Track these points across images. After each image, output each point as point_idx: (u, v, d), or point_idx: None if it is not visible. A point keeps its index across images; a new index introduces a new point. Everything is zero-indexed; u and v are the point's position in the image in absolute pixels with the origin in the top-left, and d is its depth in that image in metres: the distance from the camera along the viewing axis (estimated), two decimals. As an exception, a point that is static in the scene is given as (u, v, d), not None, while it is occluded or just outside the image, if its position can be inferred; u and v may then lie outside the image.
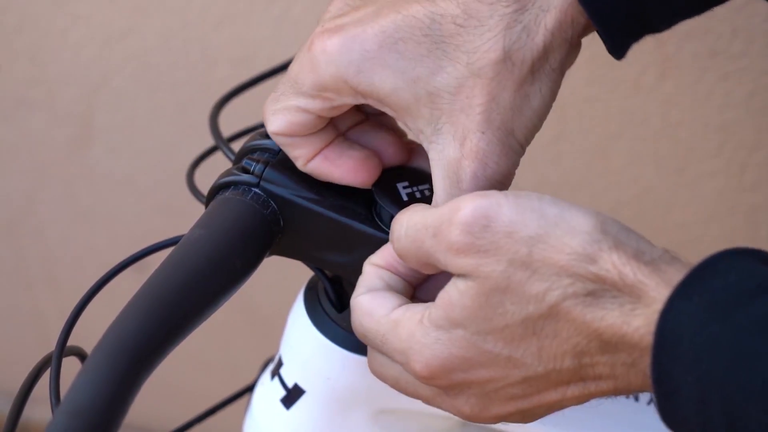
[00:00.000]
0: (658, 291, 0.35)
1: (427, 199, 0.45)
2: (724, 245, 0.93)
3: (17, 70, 0.95)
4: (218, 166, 0.51)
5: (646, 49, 0.79)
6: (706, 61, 0.77)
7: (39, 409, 0.56)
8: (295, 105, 0.42)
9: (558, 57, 0.40)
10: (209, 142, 0.55)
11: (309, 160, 0.44)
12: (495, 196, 0.37)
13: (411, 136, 0.43)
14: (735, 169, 0.83)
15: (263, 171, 0.45)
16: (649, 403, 0.55)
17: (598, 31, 0.40)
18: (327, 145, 0.44)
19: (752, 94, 0.78)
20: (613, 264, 0.36)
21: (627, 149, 0.85)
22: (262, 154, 0.47)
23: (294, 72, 0.42)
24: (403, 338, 0.39)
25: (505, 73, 0.39)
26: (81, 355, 0.45)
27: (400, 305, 0.40)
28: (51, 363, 0.42)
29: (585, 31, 0.41)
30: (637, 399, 0.55)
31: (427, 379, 0.39)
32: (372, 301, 0.41)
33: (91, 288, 0.46)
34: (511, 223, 0.37)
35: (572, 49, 0.41)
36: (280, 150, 0.47)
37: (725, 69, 0.77)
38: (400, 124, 0.43)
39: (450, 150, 0.40)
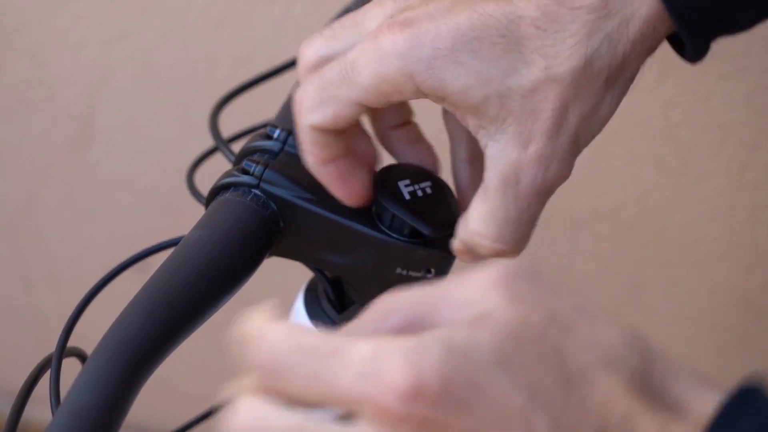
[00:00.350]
0: None
1: (429, 197, 0.45)
2: (724, 245, 0.94)
3: (17, 70, 0.95)
4: (219, 166, 0.51)
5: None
6: (707, 60, 0.77)
7: (40, 409, 0.56)
8: (348, 96, 0.40)
9: (635, 67, 0.40)
10: (209, 142, 0.55)
11: (324, 163, 0.43)
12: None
13: (470, 129, 0.41)
14: (735, 169, 0.83)
15: (263, 172, 0.45)
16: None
17: (680, 37, 0.40)
18: (344, 156, 0.43)
19: (752, 93, 0.78)
20: None
21: (627, 149, 0.85)
22: (262, 156, 0.47)
23: (351, 60, 0.40)
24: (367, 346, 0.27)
25: (583, 80, 0.39)
26: (81, 356, 0.45)
27: None
28: (51, 364, 0.42)
29: (662, 40, 0.41)
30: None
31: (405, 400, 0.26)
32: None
33: (91, 289, 0.46)
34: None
35: (644, 62, 0.41)
36: (280, 151, 0.47)
37: (726, 69, 0.77)
38: (459, 118, 0.41)
39: (513, 151, 0.40)
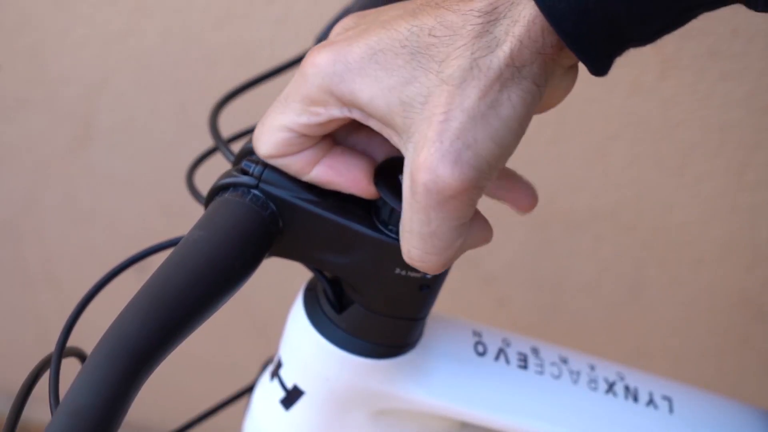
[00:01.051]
0: None
1: None
2: (724, 245, 0.94)
3: (17, 70, 0.95)
4: (219, 166, 0.51)
5: (645, 49, 0.79)
6: (706, 61, 0.77)
7: (40, 409, 0.56)
8: (279, 124, 0.43)
9: (531, 69, 0.39)
10: (209, 142, 0.55)
11: (310, 170, 0.45)
12: None
13: (393, 144, 0.43)
14: (735, 169, 0.83)
15: (262, 172, 0.45)
16: (648, 404, 0.55)
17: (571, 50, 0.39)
18: (327, 154, 0.45)
19: (752, 94, 0.78)
20: None
21: (627, 149, 0.85)
22: (262, 156, 0.47)
23: (285, 92, 0.44)
24: None
25: (471, 79, 0.39)
26: (81, 356, 0.45)
27: None
28: (50, 364, 0.42)
29: (565, 50, 0.40)
30: (636, 400, 0.55)
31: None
32: None
33: (91, 289, 0.46)
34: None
35: (549, 64, 0.40)
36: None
37: (725, 69, 0.77)
38: (382, 133, 0.43)
39: (410, 160, 0.40)
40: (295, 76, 0.43)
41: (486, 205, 0.92)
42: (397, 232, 0.45)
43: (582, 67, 0.42)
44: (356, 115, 0.42)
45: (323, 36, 0.61)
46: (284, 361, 0.53)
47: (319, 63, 0.41)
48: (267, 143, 0.44)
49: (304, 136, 0.44)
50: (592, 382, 0.54)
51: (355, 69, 0.41)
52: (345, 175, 0.45)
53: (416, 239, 0.41)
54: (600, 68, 0.40)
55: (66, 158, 1.02)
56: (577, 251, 0.93)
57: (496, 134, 0.39)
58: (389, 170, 0.45)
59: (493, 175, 0.40)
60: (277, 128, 0.44)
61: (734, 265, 0.90)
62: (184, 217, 0.52)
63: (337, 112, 0.42)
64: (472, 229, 0.44)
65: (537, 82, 0.40)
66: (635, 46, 0.41)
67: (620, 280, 0.94)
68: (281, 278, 0.79)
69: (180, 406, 0.86)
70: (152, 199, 1.03)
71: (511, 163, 0.91)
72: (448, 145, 0.39)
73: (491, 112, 0.39)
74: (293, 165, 0.45)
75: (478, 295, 0.99)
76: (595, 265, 0.94)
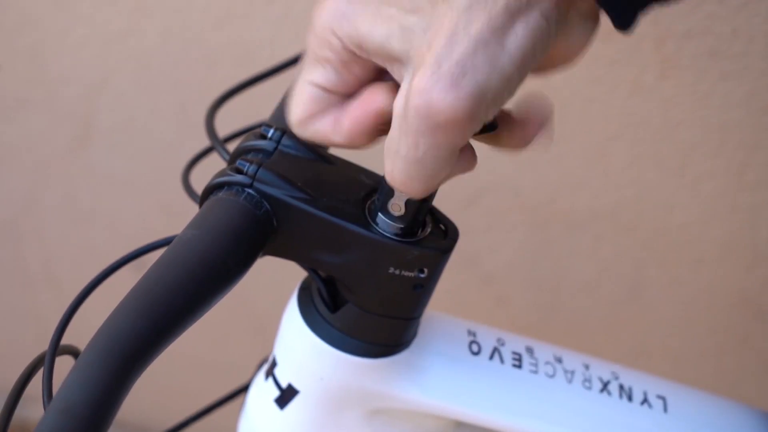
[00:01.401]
0: None
1: None
2: (724, 245, 0.93)
3: (17, 69, 0.96)
4: (218, 166, 0.51)
5: (645, 49, 0.79)
6: (706, 61, 0.77)
7: (37, 408, 0.56)
8: (300, 82, 0.43)
9: (542, 3, 0.38)
10: (208, 142, 0.55)
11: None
12: None
13: (394, 76, 0.41)
14: (735, 169, 0.83)
15: (256, 172, 0.45)
16: (642, 403, 0.54)
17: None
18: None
19: (752, 94, 0.78)
20: None
21: (627, 149, 0.85)
22: (256, 155, 0.47)
23: (303, 58, 0.43)
24: None
25: (477, 7, 0.37)
26: (75, 354, 0.45)
27: None
28: (44, 361, 0.42)
29: None
30: (630, 399, 0.55)
31: None
32: None
33: (85, 287, 0.46)
34: None
35: (563, 4, 0.38)
36: (274, 151, 0.47)
37: (725, 69, 0.77)
38: (389, 70, 0.41)
39: (406, 83, 0.39)
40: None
41: (486, 206, 0.92)
42: (391, 231, 0.45)
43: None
44: (362, 53, 0.41)
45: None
46: (279, 360, 0.53)
47: (324, 8, 0.41)
48: (295, 107, 0.43)
49: (327, 91, 0.42)
50: (587, 382, 0.54)
51: (356, 2, 0.40)
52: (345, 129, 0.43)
53: (401, 162, 0.40)
54: (624, 21, 0.38)
55: (66, 158, 1.02)
56: (577, 251, 0.93)
57: (497, 64, 0.37)
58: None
59: (490, 110, 0.38)
60: (299, 89, 0.43)
61: (734, 265, 0.89)
62: (184, 216, 0.52)
63: (344, 54, 0.41)
64: (459, 158, 0.42)
65: (547, 17, 0.38)
66: (660, 3, 0.38)
67: (620, 280, 0.94)
68: (277, 277, 0.79)
69: (176, 404, 0.86)
70: (152, 199, 1.03)
71: (512, 162, 0.91)
72: (446, 69, 0.37)
73: (495, 41, 0.37)
74: (323, 128, 0.43)
75: (478, 295, 0.99)
76: (595, 265, 0.94)
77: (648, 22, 0.77)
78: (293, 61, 0.61)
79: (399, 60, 0.40)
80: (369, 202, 0.46)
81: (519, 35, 0.37)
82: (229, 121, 0.60)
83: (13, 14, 0.91)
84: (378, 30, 0.40)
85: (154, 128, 0.96)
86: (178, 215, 1.00)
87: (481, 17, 0.37)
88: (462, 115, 0.37)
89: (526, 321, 0.99)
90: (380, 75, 0.43)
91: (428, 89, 0.37)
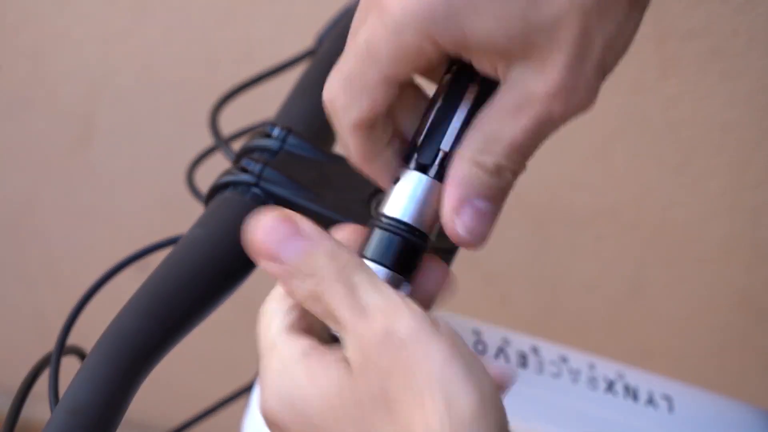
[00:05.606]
0: None
1: None
2: (725, 244, 0.93)
3: (18, 69, 0.95)
4: (220, 165, 0.51)
5: (646, 48, 0.79)
6: (708, 60, 0.77)
7: (42, 407, 0.56)
8: (375, 78, 0.38)
9: None
10: (210, 141, 0.55)
11: (373, 160, 0.41)
12: (426, 325, 0.35)
13: (490, 73, 0.39)
14: (736, 168, 0.83)
15: (262, 171, 0.45)
16: (647, 404, 0.55)
17: None
18: (387, 147, 0.41)
19: (753, 92, 0.78)
20: None
21: (628, 149, 0.85)
22: (262, 154, 0.47)
23: (364, 40, 0.38)
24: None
25: (605, 3, 0.37)
26: (80, 354, 0.45)
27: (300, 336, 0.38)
28: (50, 361, 0.42)
29: None
30: (635, 399, 0.55)
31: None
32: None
33: (90, 287, 0.46)
34: (416, 361, 0.35)
35: None
36: (280, 150, 0.47)
37: (726, 68, 0.77)
38: (478, 65, 0.39)
39: (533, 83, 0.38)
40: (374, 20, 0.38)
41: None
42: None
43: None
44: (454, 53, 0.38)
45: (324, 35, 0.61)
46: (284, 359, 0.53)
47: (412, 7, 0.37)
48: (361, 106, 0.39)
49: (394, 90, 0.39)
50: (592, 381, 0.54)
51: (461, 6, 0.36)
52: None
53: (507, 148, 0.39)
54: None
55: (67, 157, 1.02)
56: (578, 250, 0.93)
57: (618, 52, 0.38)
58: None
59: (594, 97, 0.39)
60: (372, 85, 0.38)
61: (735, 264, 0.89)
62: (186, 215, 0.52)
63: (434, 57, 0.38)
64: None
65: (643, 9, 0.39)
66: None
67: (621, 278, 0.94)
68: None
69: (180, 404, 0.86)
70: (153, 198, 1.03)
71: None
72: (584, 71, 0.37)
73: (619, 34, 0.38)
74: (374, 139, 0.40)
75: (480, 294, 0.99)
76: (596, 264, 0.94)
77: (649, 21, 0.77)
78: (296, 61, 0.61)
79: (508, 58, 0.38)
80: (374, 201, 0.46)
81: (632, 31, 0.38)
82: (231, 120, 0.60)
83: (14, 14, 0.91)
84: (498, 35, 0.37)
85: (155, 127, 0.96)
86: (179, 214, 1.00)
87: (614, 15, 0.37)
88: (591, 105, 0.39)
89: (527, 320, 0.99)
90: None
91: (570, 92, 0.38)
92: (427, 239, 0.40)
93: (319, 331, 0.38)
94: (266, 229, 0.37)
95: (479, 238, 0.40)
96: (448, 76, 0.40)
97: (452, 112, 0.40)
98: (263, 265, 0.37)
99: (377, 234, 0.39)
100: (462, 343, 0.36)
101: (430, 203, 0.40)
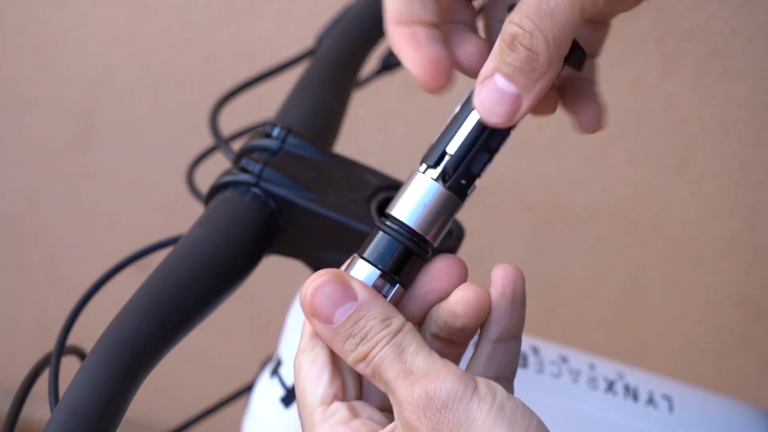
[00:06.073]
0: None
1: None
2: (725, 244, 0.94)
3: (19, 69, 0.95)
4: (220, 165, 0.51)
5: (646, 48, 0.79)
6: (707, 60, 0.77)
7: (42, 407, 0.56)
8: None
9: None
10: (210, 141, 0.55)
11: (398, 23, 0.41)
12: (464, 387, 0.36)
13: None
14: (736, 168, 0.83)
15: (262, 171, 0.45)
16: (647, 403, 0.54)
17: None
18: (423, 24, 0.41)
19: (753, 93, 0.78)
20: None
21: (628, 148, 0.85)
22: (262, 154, 0.47)
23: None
24: None
25: None
26: (80, 354, 0.45)
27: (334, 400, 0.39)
28: (50, 361, 0.42)
29: None
30: (636, 399, 0.55)
31: None
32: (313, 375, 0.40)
33: (90, 287, 0.46)
34: (458, 424, 0.36)
35: None
36: (280, 150, 0.47)
37: (726, 68, 0.77)
38: None
39: None
40: None
41: (488, 205, 0.92)
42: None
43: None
44: None
45: (324, 35, 0.61)
46: (284, 359, 0.53)
47: None
48: None
49: None
50: (592, 381, 0.54)
51: None
52: (422, 52, 0.40)
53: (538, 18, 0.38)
54: None
55: (67, 157, 1.02)
56: (578, 250, 0.93)
57: None
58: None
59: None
60: None
61: (735, 263, 0.89)
62: (186, 215, 0.52)
63: None
64: (548, 96, 0.41)
65: None
66: None
67: (621, 278, 0.94)
68: (281, 276, 0.79)
69: (180, 404, 0.86)
70: (153, 197, 1.03)
71: (513, 161, 0.92)
72: None
73: None
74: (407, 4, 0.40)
75: (479, 294, 0.99)
76: (596, 264, 0.94)
77: (649, 21, 0.77)
78: (297, 60, 0.61)
79: None
80: (374, 201, 0.46)
81: None
82: (231, 120, 0.60)
83: (14, 13, 0.91)
84: None
85: (155, 127, 0.96)
86: (179, 214, 1.00)
87: None
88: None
89: (528, 319, 0.99)
90: None
91: None
92: (429, 247, 0.40)
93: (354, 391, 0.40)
94: (319, 290, 0.38)
95: (495, 115, 0.39)
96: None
97: (464, 117, 0.40)
98: (315, 326, 0.38)
99: (378, 236, 0.39)
100: (504, 398, 0.36)
101: (438, 212, 0.40)
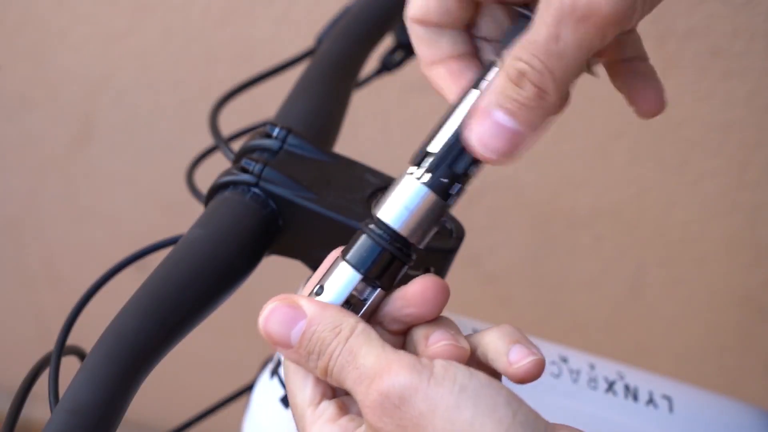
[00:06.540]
0: None
1: None
2: (725, 244, 0.94)
3: (18, 69, 0.95)
4: (220, 165, 0.51)
5: (646, 48, 0.79)
6: (707, 60, 0.77)
7: (42, 407, 0.56)
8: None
9: None
10: (210, 141, 0.55)
11: (432, 64, 0.42)
12: (418, 377, 0.36)
13: None
14: (736, 168, 0.83)
15: (262, 171, 0.45)
16: (647, 403, 0.54)
17: None
18: (455, 57, 0.42)
19: (753, 93, 0.78)
20: None
21: (628, 148, 0.85)
22: (262, 154, 0.47)
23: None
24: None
25: None
26: (80, 354, 0.45)
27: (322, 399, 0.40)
28: (50, 362, 0.42)
29: None
30: (636, 399, 0.55)
31: None
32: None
33: (90, 287, 0.46)
34: (420, 415, 0.35)
35: None
36: (280, 150, 0.47)
37: (726, 68, 0.77)
38: None
39: None
40: None
41: (488, 205, 0.92)
42: None
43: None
44: None
45: (324, 35, 0.61)
46: (284, 359, 0.53)
47: None
48: (420, 3, 0.41)
49: (458, 5, 0.41)
50: (592, 381, 0.54)
51: None
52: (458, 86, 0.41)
53: (555, 52, 0.37)
54: None
55: (67, 157, 1.02)
56: (579, 250, 0.93)
57: None
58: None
59: (636, 18, 0.38)
60: None
61: (735, 263, 0.90)
62: (185, 215, 0.52)
63: None
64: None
65: None
66: None
67: (621, 278, 0.94)
68: (281, 276, 0.79)
69: (180, 404, 0.86)
70: (153, 197, 1.03)
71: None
72: None
73: None
74: (428, 46, 0.41)
75: (480, 294, 0.99)
76: (596, 264, 0.94)
77: (649, 21, 0.77)
78: (297, 60, 0.61)
79: None
80: (374, 201, 0.46)
81: None
82: (231, 120, 0.60)
83: (14, 14, 0.91)
84: None
85: (154, 126, 0.96)
86: (178, 214, 1.00)
87: None
88: (619, 15, 0.37)
89: (527, 319, 0.99)
90: None
91: None
92: (412, 250, 0.40)
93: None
94: (270, 317, 0.38)
95: (492, 151, 0.38)
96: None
97: (447, 117, 0.40)
98: (280, 352, 0.39)
99: (362, 239, 0.40)
100: (465, 378, 0.35)
101: (422, 214, 0.39)
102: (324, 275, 0.40)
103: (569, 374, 0.54)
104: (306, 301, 0.39)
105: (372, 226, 0.40)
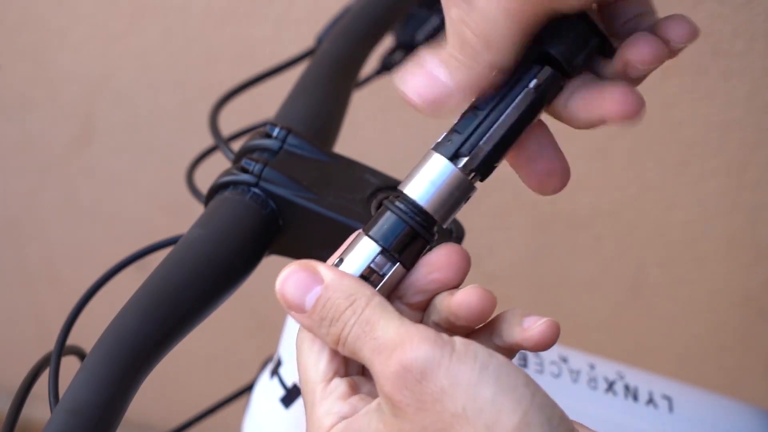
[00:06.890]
0: None
1: None
2: (725, 244, 0.94)
3: (18, 69, 0.95)
4: (220, 165, 0.51)
5: (646, 48, 0.79)
6: (708, 60, 0.77)
7: (42, 407, 0.56)
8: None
9: None
10: (210, 141, 0.55)
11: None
12: (440, 351, 0.35)
13: None
14: (736, 168, 0.83)
15: (262, 171, 0.45)
16: (647, 403, 0.55)
17: None
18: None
19: (753, 93, 0.78)
20: None
21: (628, 148, 0.85)
22: (262, 154, 0.47)
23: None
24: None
25: None
26: (80, 354, 0.45)
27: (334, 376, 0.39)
28: (50, 361, 0.42)
29: None
30: (636, 399, 0.55)
31: None
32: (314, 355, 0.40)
33: (90, 287, 0.46)
34: (441, 390, 0.35)
35: None
36: (280, 150, 0.47)
37: (726, 68, 0.77)
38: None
39: None
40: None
41: (488, 205, 0.92)
42: None
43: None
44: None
45: (324, 35, 0.61)
46: (284, 359, 0.53)
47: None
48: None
49: None
50: (592, 381, 0.54)
51: None
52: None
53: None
54: None
55: (67, 157, 1.02)
56: (579, 250, 0.93)
57: None
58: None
59: None
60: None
61: (735, 263, 0.89)
62: (186, 215, 0.53)
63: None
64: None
65: None
66: None
67: (621, 279, 0.94)
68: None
69: (180, 404, 0.86)
70: (153, 198, 1.03)
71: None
72: None
73: None
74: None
75: (479, 294, 0.99)
76: (596, 264, 0.94)
77: (649, 21, 0.77)
78: (297, 60, 0.61)
79: None
80: (374, 201, 0.46)
81: None
82: (231, 120, 0.60)
83: (14, 14, 0.91)
84: None
85: (155, 127, 0.96)
86: (179, 214, 1.00)
87: None
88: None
89: (527, 320, 0.99)
90: None
91: None
92: (435, 227, 0.40)
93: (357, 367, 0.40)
94: (287, 280, 0.39)
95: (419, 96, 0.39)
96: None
97: (496, 104, 0.40)
98: (294, 317, 0.39)
99: (386, 214, 0.40)
100: (486, 356, 0.35)
101: (450, 192, 0.39)
102: (345, 250, 0.40)
103: (569, 374, 0.54)
104: (324, 267, 0.39)
105: (397, 202, 0.40)
